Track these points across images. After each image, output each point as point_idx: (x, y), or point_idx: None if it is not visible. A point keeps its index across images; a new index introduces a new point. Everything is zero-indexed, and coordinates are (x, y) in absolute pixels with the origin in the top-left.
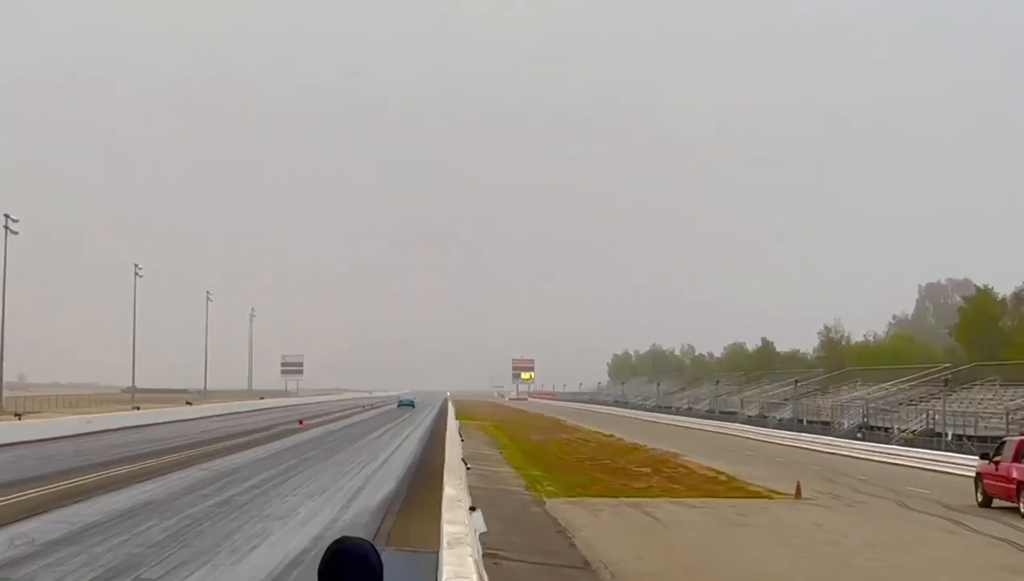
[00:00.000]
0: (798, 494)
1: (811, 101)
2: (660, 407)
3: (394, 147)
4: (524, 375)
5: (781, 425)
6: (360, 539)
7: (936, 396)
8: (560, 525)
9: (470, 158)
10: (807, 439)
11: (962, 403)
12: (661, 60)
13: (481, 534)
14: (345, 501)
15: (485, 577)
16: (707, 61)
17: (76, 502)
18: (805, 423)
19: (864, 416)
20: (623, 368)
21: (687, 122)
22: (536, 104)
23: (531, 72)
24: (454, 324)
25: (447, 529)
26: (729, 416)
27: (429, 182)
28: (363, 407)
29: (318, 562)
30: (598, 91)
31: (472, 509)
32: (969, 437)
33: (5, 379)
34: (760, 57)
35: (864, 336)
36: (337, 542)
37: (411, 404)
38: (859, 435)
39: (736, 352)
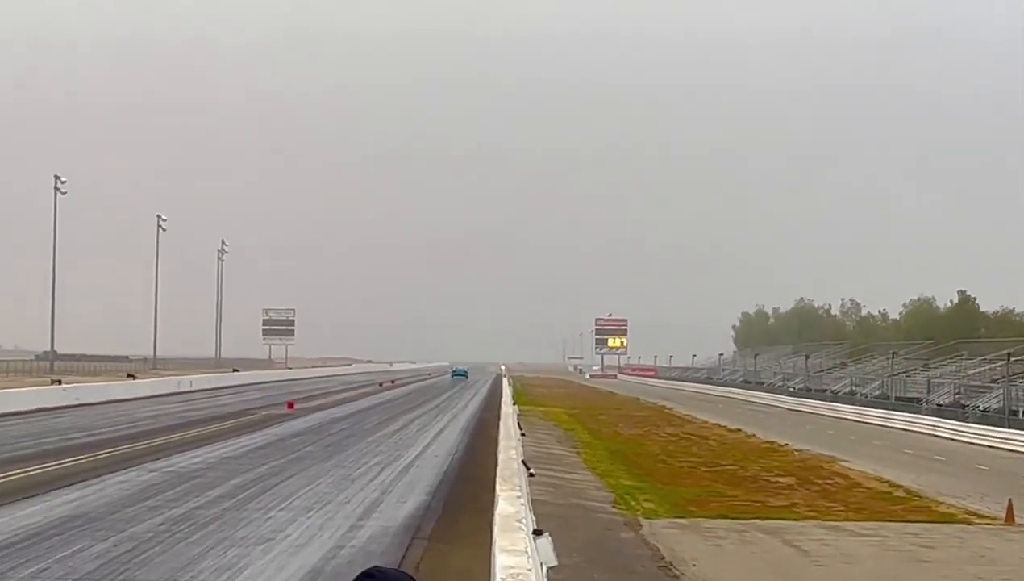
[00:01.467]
0: (1010, 517)
1: None
2: (809, 390)
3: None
4: (612, 342)
5: (986, 418)
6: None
7: None
8: (663, 558)
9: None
10: (1023, 438)
11: None
12: None
13: (550, 569)
14: (355, 519)
15: None
16: None
17: None
18: (1021, 415)
19: None
20: (756, 333)
21: None
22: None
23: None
24: (513, 274)
25: (502, 561)
26: (910, 404)
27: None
28: (380, 385)
29: None
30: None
31: (537, 533)
32: None
33: None
34: None
35: None
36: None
37: (464, 375)
38: None
39: (921, 312)
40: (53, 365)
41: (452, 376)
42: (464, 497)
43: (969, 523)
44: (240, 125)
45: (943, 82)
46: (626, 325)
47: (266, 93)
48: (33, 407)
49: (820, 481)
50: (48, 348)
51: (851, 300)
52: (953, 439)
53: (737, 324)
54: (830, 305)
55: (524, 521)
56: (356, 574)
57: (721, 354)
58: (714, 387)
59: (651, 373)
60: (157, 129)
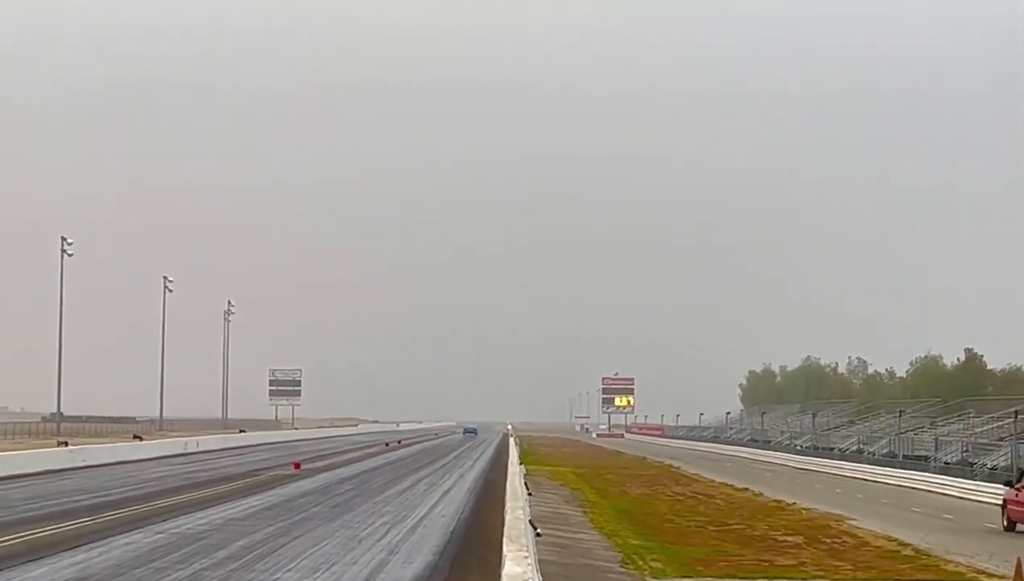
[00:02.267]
0: (1018, 577)
1: None
2: (817, 448)
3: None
4: (619, 401)
5: (993, 476)
6: None
7: None
8: None
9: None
10: None
11: None
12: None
13: None
14: (362, 579)
15: None
16: None
17: None
18: None
19: None
20: (763, 392)
21: None
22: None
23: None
24: (519, 333)
25: None
26: (918, 462)
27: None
28: (387, 445)
29: None
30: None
31: None
32: None
33: None
34: None
35: None
36: None
37: (475, 432)
38: None
39: (928, 370)
40: (60, 427)
41: (464, 433)
42: (471, 557)
43: None
44: (244, 184)
45: (944, 133)
46: (633, 384)
47: (273, 152)
48: (40, 469)
49: (828, 540)
50: (55, 410)
51: (858, 358)
52: (961, 497)
53: (744, 383)
54: (837, 363)
55: None
56: None
57: (728, 413)
58: (721, 446)
59: (658, 432)
60: (162, 189)
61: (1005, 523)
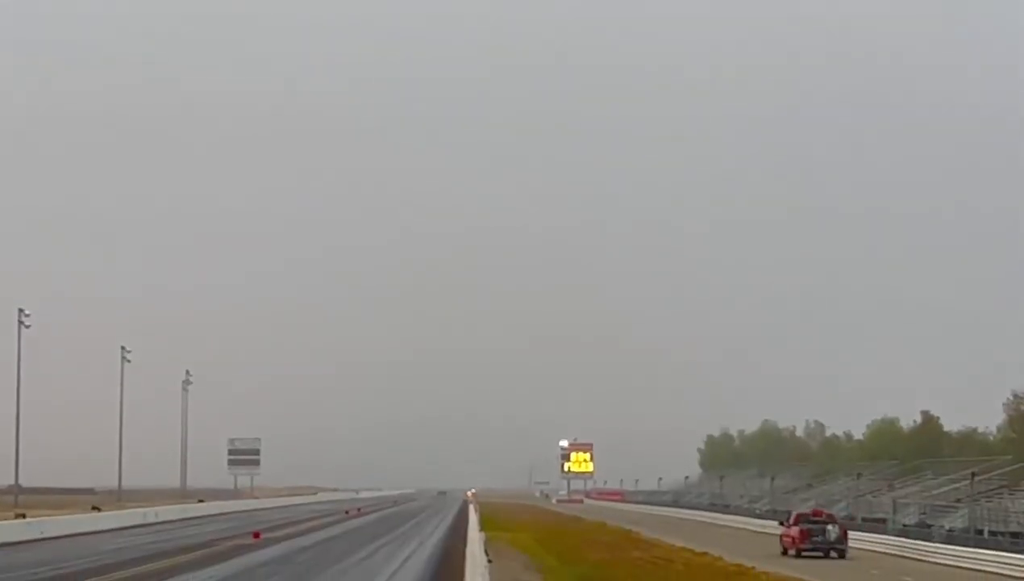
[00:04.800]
0: None
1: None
2: (776, 512)
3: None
4: (578, 467)
5: (951, 538)
6: None
7: None
8: None
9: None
10: (989, 558)
11: None
12: None
13: None
14: None
15: None
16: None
17: None
18: (987, 535)
19: None
20: (721, 456)
21: None
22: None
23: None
24: (476, 400)
25: None
26: (876, 525)
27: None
28: (347, 513)
29: None
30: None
31: None
32: None
33: None
34: None
35: None
36: None
37: (444, 493)
38: None
39: (885, 432)
40: (17, 498)
41: (437, 494)
42: None
43: None
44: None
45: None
46: (592, 449)
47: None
48: None
49: None
50: (12, 482)
51: (815, 421)
52: (919, 560)
53: (702, 447)
54: (795, 426)
55: None
56: None
57: (687, 477)
58: (681, 510)
59: (617, 497)
60: (119, 257)
61: (782, 550)
